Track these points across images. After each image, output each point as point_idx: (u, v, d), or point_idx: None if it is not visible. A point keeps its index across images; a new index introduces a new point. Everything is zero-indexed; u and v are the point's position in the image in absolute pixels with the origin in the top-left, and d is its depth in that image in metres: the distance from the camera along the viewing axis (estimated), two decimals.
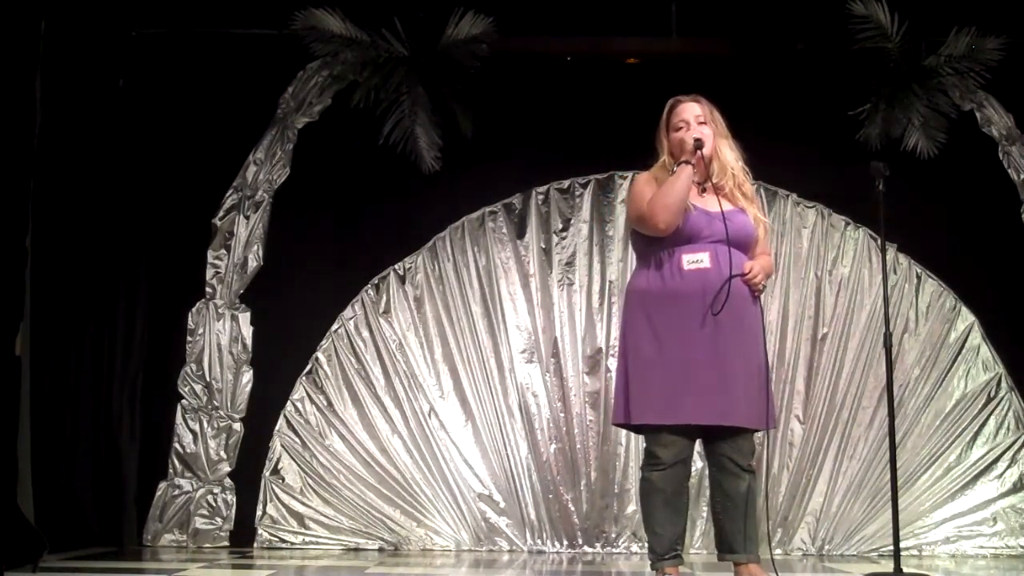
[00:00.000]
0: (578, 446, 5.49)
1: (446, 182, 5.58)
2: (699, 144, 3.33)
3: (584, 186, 5.73)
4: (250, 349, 5.58)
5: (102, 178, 5.51)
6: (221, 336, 5.58)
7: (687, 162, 3.31)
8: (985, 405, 5.45)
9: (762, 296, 3.45)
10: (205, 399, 5.53)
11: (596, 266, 5.65)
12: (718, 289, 3.24)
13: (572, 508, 5.45)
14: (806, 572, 4.59)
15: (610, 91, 5.66)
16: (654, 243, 3.35)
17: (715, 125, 3.42)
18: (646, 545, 3.50)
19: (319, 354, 5.59)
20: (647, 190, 3.37)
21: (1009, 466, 5.39)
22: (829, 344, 5.52)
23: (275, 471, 5.51)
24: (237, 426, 5.52)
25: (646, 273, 3.36)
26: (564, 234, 5.70)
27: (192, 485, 5.47)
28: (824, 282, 5.58)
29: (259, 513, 5.47)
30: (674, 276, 3.29)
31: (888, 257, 5.10)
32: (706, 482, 4.94)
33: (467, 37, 5.37)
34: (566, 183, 5.74)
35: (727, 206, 3.39)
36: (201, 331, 5.58)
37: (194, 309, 5.60)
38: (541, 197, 5.73)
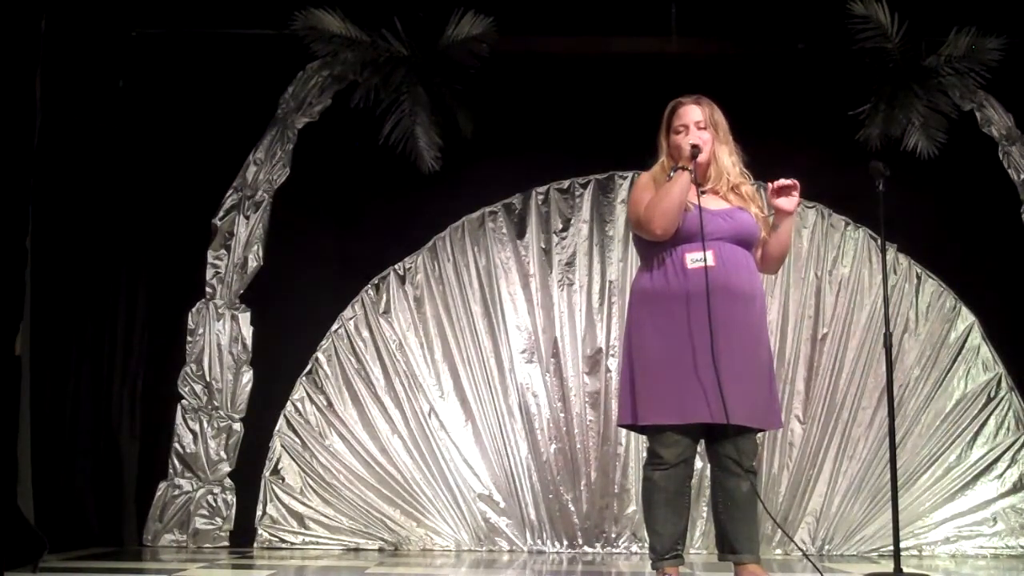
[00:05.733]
0: (578, 446, 5.49)
1: (446, 182, 5.58)
2: (695, 152, 3.32)
3: (584, 186, 5.73)
4: (250, 349, 5.58)
5: (102, 178, 5.51)
6: (221, 336, 5.58)
7: (684, 168, 3.31)
8: (985, 405, 5.46)
9: (767, 297, 3.45)
10: (205, 399, 5.54)
11: (596, 266, 5.65)
12: (717, 282, 3.24)
13: (572, 508, 5.45)
14: (806, 572, 4.59)
15: (610, 91, 5.66)
16: (656, 243, 3.34)
17: (715, 130, 3.40)
18: (646, 545, 3.50)
19: (319, 354, 5.59)
20: (645, 195, 3.36)
21: (1009, 466, 5.40)
22: (829, 344, 5.52)
23: (275, 471, 5.51)
24: (237, 426, 5.52)
25: (649, 273, 3.36)
26: (564, 234, 5.70)
27: (192, 485, 5.48)
28: (824, 282, 5.59)
29: (259, 513, 5.47)
30: (678, 275, 3.28)
31: (888, 257, 5.10)
32: (707, 482, 4.94)
33: (467, 37, 5.37)
34: (566, 183, 5.74)
35: (727, 205, 3.39)
36: (201, 331, 5.58)
37: (194, 309, 5.61)
38: (541, 197, 5.73)
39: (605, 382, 5.52)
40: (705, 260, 3.26)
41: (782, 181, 3.37)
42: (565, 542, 5.44)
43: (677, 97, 3.47)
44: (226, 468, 5.50)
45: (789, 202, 3.38)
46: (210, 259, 5.65)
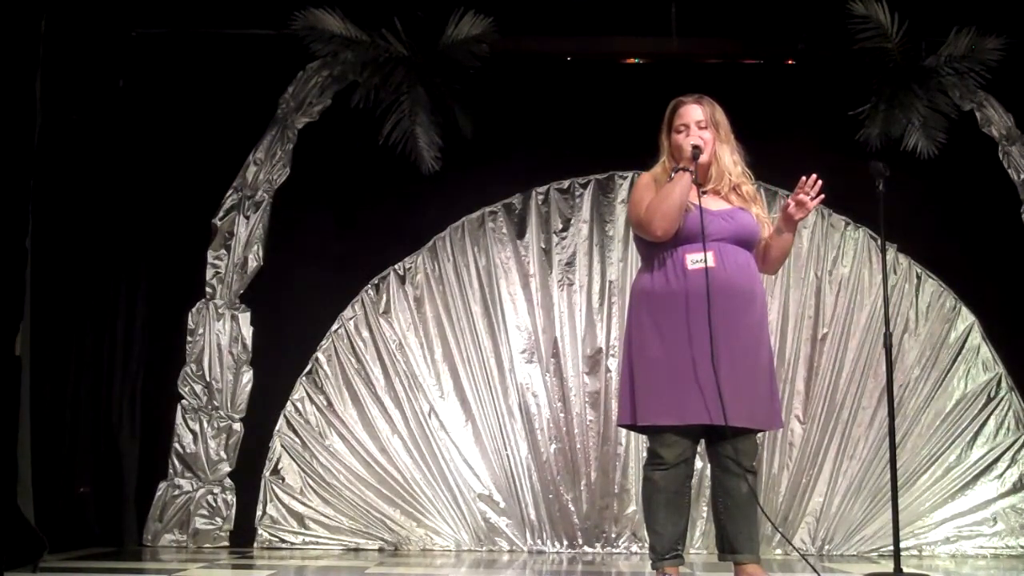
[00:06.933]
0: (578, 446, 5.49)
1: (446, 182, 5.58)
2: (696, 153, 3.32)
3: (584, 186, 5.73)
4: (250, 349, 5.58)
5: (102, 178, 5.51)
6: (221, 336, 5.58)
7: (685, 168, 3.30)
8: (985, 405, 5.45)
9: (767, 297, 3.45)
10: (205, 399, 5.54)
11: (596, 266, 5.65)
12: (718, 283, 3.25)
13: (572, 508, 5.45)
14: (806, 572, 4.59)
15: (610, 91, 5.66)
16: (657, 243, 3.34)
17: (717, 129, 3.40)
18: (646, 545, 3.50)
19: (319, 354, 5.59)
20: (646, 196, 3.36)
21: (1009, 466, 5.40)
22: (829, 344, 5.52)
23: (275, 471, 5.51)
24: (237, 426, 5.52)
25: (650, 273, 3.36)
26: (564, 234, 5.70)
27: (192, 485, 5.48)
28: (824, 282, 5.58)
29: (259, 513, 5.47)
30: (678, 276, 3.28)
31: (888, 257, 5.10)
32: (707, 482, 4.95)
33: (467, 37, 5.37)
34: (566, 183, 5.74)
35: (728, 205, 3.39)
36: (201, 331, 5.58)
37: (194, 309, 5.60)
38: (541, 197, 5.73)
39: (605, 382, 5.52)
40: (706, 261, 3.26)
41: (812, 182, 3.34)
42: (565, 542, 5.44)
43: (677, 97, 3.47)
44: (226, 468, 5.49)
45: (801, 210, 3.38)
46: (210, 259, 5.65)
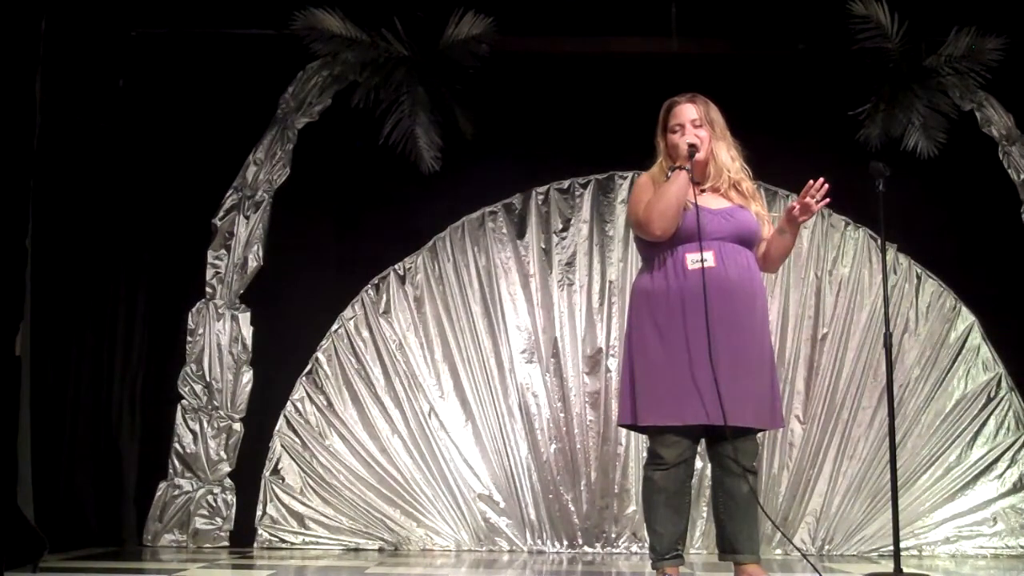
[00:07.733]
0: (578, 446, 5.49)
1: (446, 182, 5.58)
2: (692, 152, 3.32)
3: (584, 186, 5.73)
4: (250, 349, 5.58)
5: (102, 178, 5.51)
6: (221, 336, 5.58)
7: (682, 167, 3.30)
8: (985, 405, 5.45)
9: (767, 296, 3.45)
10: (205, 399, 5.54)
11: (596, 266, 5.65)
12: (718, 282, 3.24)
13: (572, 508, 5.45)
14: (806, 572, 4.59)
15: (610, 91, 5.66)
16: (657, 243, 3.34)
17: (711, 127, 3.40)
18: (646, 545, 3.50)
19: (319, 354, 5.59)
20: (644, 196, 3.36)
21: (1009, 466, 5.40)
22: (829, 344, 5.52)
23: (275, 471, 5.51)
24: (237, 426, 5.52)
25: (650, 273, 3.36)
26: (564, 234, 5.70)
27: (192, 485, 5.48)
28: (824, 282, 5.59)
29: (259, 513, 5.47)
30: (678, 276, 3.28)
31: (888, 257, 5.11)
32: (707, 482, 4.95)
33: (467, 37, 5.37)
34: (566, 183, 5.74)
35: (728, 203, 3.39)
36: (201, 331, 5.58)
37: (194, 309, 5.61)
38: (541, 197, 5.73)
39: (605, 382, 5.52)
40: (704, 260, 3.26)
41: (819, 186, 3.33)
42: (565, 542, 5.44)
43: (675, 97, 3.48)
44: (226, 468, 5.50)
45: (806, 213, 3.37)
46: (210, 259, 5.65)
